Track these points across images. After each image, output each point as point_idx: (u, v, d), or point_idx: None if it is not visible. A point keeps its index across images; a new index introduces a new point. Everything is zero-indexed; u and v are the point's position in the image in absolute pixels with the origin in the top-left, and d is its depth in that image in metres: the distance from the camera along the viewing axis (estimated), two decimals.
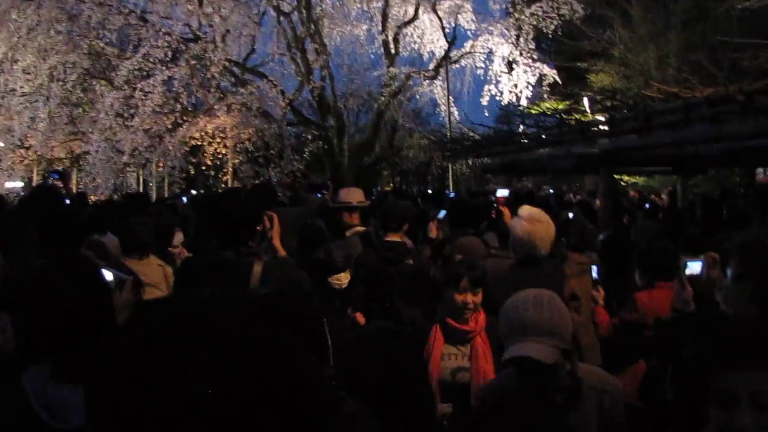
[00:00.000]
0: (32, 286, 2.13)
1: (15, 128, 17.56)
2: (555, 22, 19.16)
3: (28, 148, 18.53)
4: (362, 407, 1.92)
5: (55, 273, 2.15)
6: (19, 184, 19.80)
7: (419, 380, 2.02)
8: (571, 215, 7.26)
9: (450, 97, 20.64)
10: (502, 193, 5.87)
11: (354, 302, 4.94)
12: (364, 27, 21.30)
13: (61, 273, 2.15)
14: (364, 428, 1.82)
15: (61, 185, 14.38)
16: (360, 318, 4.47)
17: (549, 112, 11.88)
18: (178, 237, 6.44)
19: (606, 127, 8.55)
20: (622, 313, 4.56)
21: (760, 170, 19.76)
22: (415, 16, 20.00)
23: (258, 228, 3.84)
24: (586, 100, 9.82)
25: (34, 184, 19.05)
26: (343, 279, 4.29)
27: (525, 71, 20.34)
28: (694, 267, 3.23)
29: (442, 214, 5.69)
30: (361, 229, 5.68)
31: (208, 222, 3.66)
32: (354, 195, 5.79)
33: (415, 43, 21.22)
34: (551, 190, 19.76)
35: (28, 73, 17.64)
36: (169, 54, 17.11)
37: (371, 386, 1.97)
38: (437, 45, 21.01)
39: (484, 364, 3.40)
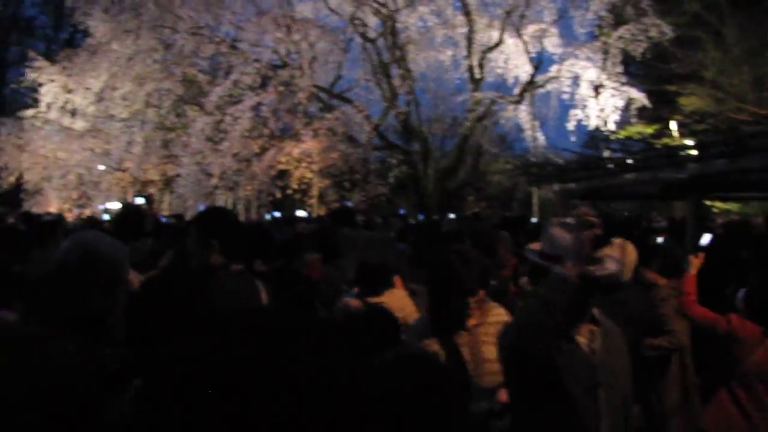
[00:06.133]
0: None
1: (113, 152, 18.42)
2: (643, 45, 18.87)
3: (124, 171, 19.34)
4: None
5: None
6: (117, 204, 20.66)
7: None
8: (659, 240, 7.10)
9: (535, 122, 20.47)
10: None
11: None
12: (449, 53, 21.42)
13: None
14: None
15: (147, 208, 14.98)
16: None
17: (636, 137, 11.63)
18: None
19: (695, 152, 8.32)
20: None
21: None
22: (500, 42, 20.01)
23: None
24: (673, 124, 9.57)
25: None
26: None
27: (612, 95, 20.06)
28: None
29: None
30: None
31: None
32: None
33: (500, 68, 21.16)
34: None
35: (126, 100, 18.50)
36: (258, 80, 17.60)
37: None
38: (522, 70, 20.89)
39: None
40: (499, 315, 3.54)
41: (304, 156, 18.50)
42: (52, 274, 2.46)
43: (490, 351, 3.24)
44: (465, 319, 3.39)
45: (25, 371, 2.10)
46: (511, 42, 20.42)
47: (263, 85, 18.05)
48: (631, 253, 4.27)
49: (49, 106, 19.77)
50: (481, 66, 20.13)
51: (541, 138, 21.02)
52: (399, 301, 4.79)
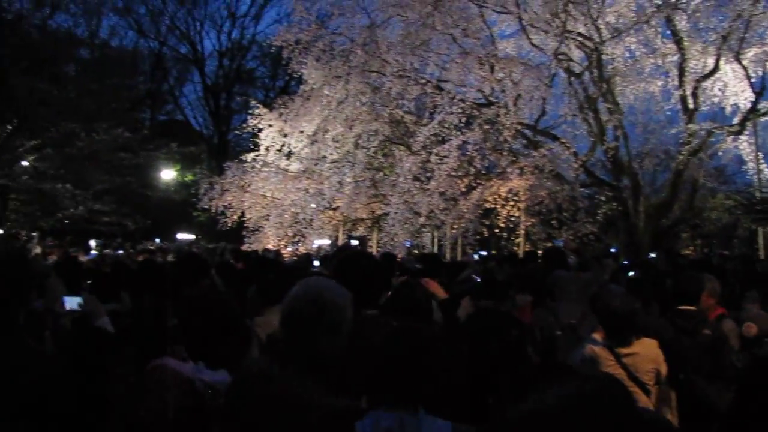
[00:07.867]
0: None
1: (325, 191, 19.30)
2: None
3: (335, 209, 20.19)
4: None
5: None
6: (327, 241, 21.58)
7: None
8: None
9: (759, 153, 18.94)
10: None
11: None
12: (659, 83, 20.45)
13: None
14: None
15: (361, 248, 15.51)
16: None
17: None
18: None
19: None
20: None
21: None
22: (716, 68, 18.80)
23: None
24: None
25: (339, 242, 20.66)
26: None
27: None
28: None
29: None
30: None
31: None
32: None
33: (716, 96, 19.83)
34: None
35: (337, 142, 19.40)
36: (463, 119, 17.74)
37: None
38: (742, 97, 19.45)
39: None
40: None
41: (511, 194, 18.29)
42: (283, 319, 2.65)
43: None
44: None
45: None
46: (728, 68, 19.12)
47: (468, 123, 18.15)
48: None
49: (267, 149, 21.25)
50: (695, 95, 18.99)
51: (766, 171, 19.40)
52: (651, 351, 4.48)
